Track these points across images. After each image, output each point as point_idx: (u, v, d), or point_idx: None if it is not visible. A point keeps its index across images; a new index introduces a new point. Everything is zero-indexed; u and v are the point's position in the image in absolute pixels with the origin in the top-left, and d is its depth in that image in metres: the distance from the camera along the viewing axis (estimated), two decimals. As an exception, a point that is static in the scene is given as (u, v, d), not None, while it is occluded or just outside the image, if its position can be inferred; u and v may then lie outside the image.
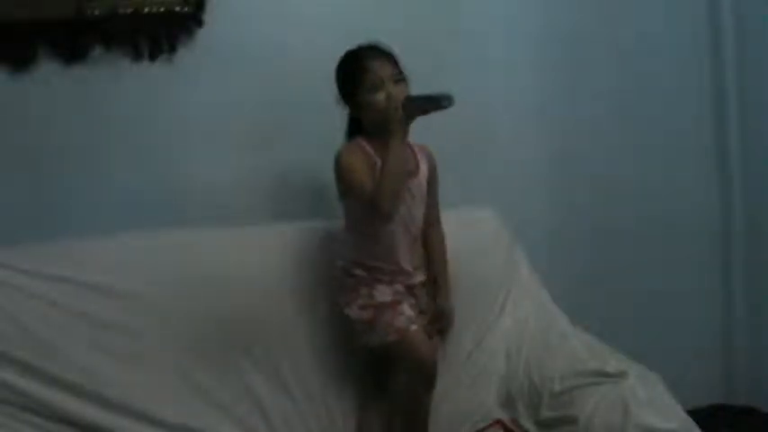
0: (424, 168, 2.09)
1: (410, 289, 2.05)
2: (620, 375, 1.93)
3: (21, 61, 2.07)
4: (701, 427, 1.82)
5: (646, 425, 1.79)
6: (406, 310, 1.99)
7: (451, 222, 2.29)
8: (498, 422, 2.14)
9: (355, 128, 2.06)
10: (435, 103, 1.90)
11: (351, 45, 2.13)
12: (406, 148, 2.00)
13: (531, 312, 2.29)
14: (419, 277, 2.08)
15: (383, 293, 1.99)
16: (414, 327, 1.98)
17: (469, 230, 2.34)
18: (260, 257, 2.12)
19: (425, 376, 1.99)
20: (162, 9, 2.17)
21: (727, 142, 2.86)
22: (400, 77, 1.98)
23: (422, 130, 2.29)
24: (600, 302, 2.65)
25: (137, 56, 2.17)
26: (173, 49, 2.20)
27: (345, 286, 2.05)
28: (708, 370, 2.90)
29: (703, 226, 2.89)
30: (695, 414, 1.87)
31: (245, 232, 2.16)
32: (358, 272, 2.02)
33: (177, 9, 2.18)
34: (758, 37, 2.74)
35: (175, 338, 1.98)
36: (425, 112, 1.93)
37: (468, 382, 2.20)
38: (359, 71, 1.97)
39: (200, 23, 2.21)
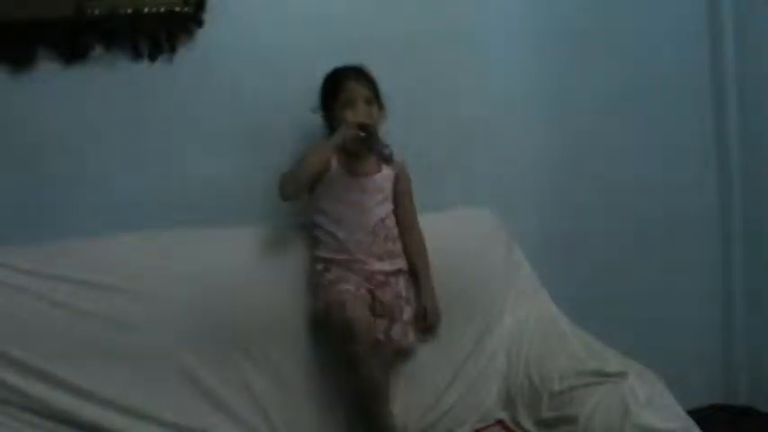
0: (387, 172, 2.16)
1: (371, 275, 2.09)
2: (620, 375, 1.93)
3: (21, 61, 2.07)
4: (700, 427, 1.82)
5: (645, 425, 1.79)
6: (344, 285, 2.04)
7: (451, 222, 2.30)
8: (499, 422, 2.15)
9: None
10: (383, 154, 2.04)
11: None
12: (367, 155, 2.11)
13: (531, 312, 2.29)
14: (385, 266, 2.12)
15: (331, 274, 2.07)
16: (345, 296, 2.01)
17: (469, 230, 2.34)
18: (260, 257, 2.13)
19: (350, 332, 1.97)
20: (162, 9, 2.17)
21: (727, 142, 2.85)
22: (373, 101, 2.13)
23: (422, 131, 2.30)
24: (600, 302, 2.65)
25: (137, 56, 2.17)
26: (173, 49, 2.20)
27: (311, 284, 2.12)
28: (708, 370, 2.89)
29: (703, 226, 2.88)
30: (695, 414, 1.87)
31: (244, 232, 2.17)
32: (318, 267, 2.11)
33: (177, 9, 2.18)
34: (758, 37, 2.74)
35: (175, 338, 1.98)
36: (371, 151, 2.07)
37: (468, 381, 2.20)
38: (338, 87, 2.11)
39: (200, 23, 2.21)
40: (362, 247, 2.10)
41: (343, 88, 2.11)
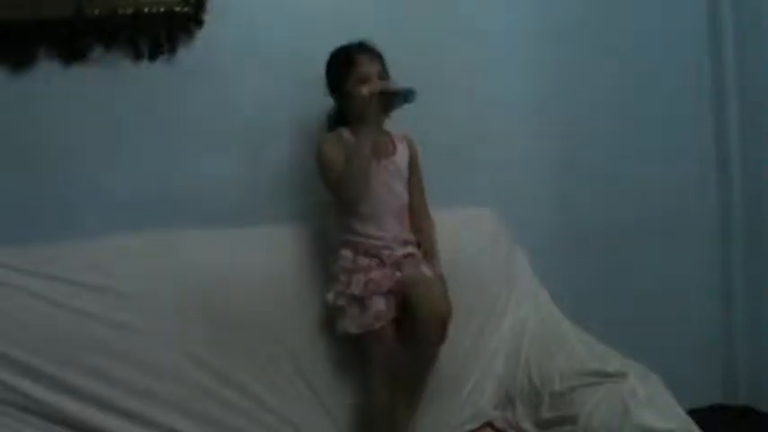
0: (402, 150, 2.17)
1: (397, 261, 2.07)
2: (620, 375, 1.93)
3: (21, 61, 2.07)
4: (700, 427, 1.82)
5: (645, 425, 1.79)
6: (376, 304, 2.02)
7: (452, 222, 2.30)
8: (489, 425, 2.16)
9: (339, 119, 2.15)
10: (402, 97, 2.01)
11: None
12: (381, 133, 2.11)
13: (531, 312, 2.29)
14: (407, 250, 2.10)
15: (357, 285, 2.03)
16: (379, 324, 2.01)
17: (469, 230, 2.34)
18: (260, 257, 2.13)
19: (384, 374, 2.02)
20: (162, 9, 2.17)
21: (727, 142, 2.86)
22: (385, 75, 2.10)
23: (422, 130, 2.29)
24: (600, 302, 2.65)
25: (137, 56, 2.18)
26: (173, 49, 2.20)
27: (330, 272, 2.10)
28: (708, 370, 2.89)
29: (703, 226, 2.88)
30: (695, 414, 1.87)
31: (244, 232, 2.17)
32: (345, 252, 2.07)
33: (177, 9, 2.18)
34: (758, 37, 2.74)
35: (175, 339, 1.98)
36: (396, 106, 2.04)
37: (468, 381, 2.20)
38: (349, 64, 2.09)
39: (200, 23, 2.21)
40: (392, 231, 2.08)
41: (356, 64, 2.08)
